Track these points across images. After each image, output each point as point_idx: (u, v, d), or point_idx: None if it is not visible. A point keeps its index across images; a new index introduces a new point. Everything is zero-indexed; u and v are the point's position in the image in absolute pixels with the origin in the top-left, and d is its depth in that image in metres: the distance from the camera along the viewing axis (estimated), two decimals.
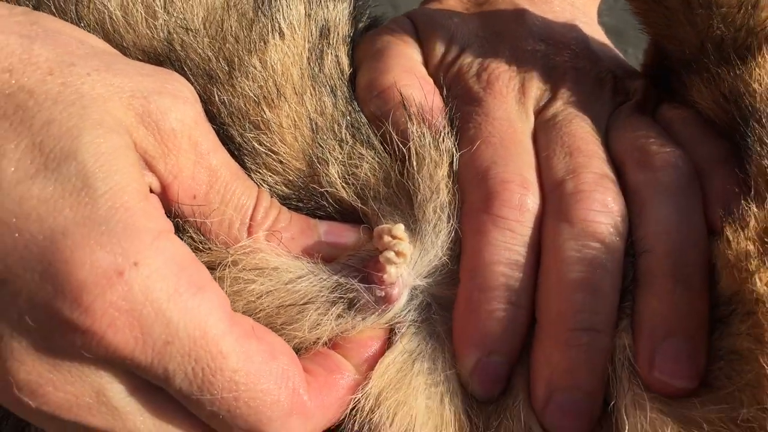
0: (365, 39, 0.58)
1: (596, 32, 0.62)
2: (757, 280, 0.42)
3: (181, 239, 0.43)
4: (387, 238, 0.45)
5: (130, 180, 0.39)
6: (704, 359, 0.45)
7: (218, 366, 0.39)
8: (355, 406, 0.44)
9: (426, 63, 0.56)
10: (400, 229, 0.45)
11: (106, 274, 0.36)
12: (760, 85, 0.49)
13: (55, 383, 0.38)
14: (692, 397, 0.43)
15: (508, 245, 0.47)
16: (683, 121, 0.53)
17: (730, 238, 0.44)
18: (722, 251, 0.45)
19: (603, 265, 0.46)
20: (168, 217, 0.43)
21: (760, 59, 0.50)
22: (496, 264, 0.47)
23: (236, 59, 0.48)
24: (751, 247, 0.43)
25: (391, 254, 0.45)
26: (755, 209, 0.45)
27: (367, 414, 0.44)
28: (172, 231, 0.41)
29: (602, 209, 0.47)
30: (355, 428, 0.44)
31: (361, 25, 0.59)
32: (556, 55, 0.55)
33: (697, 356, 0.44)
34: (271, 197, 0.47)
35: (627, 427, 0.44)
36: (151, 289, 0.37)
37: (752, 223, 0.44)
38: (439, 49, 0.56)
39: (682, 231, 0.46)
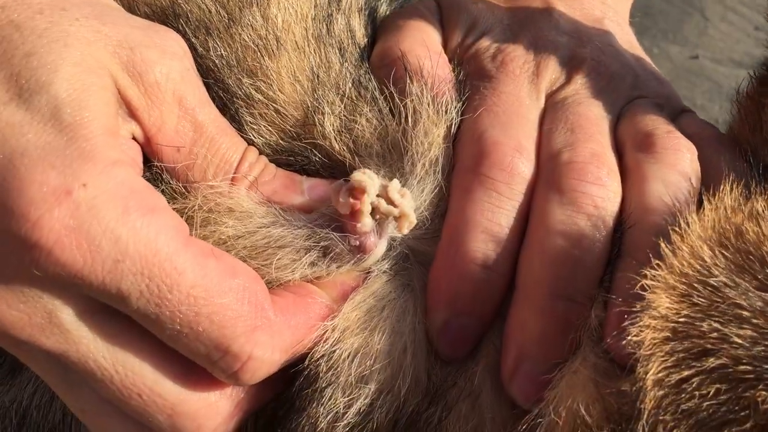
0: (389, 15, 0.58)
1: (626, 32, 0.60)
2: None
3: (161, 189, 0.43)
4: (384, 204, 0.43)
5: (99, 115, 0.39)
6: None
7: (174, 282, 0.39)
8: (321, 336, 0.43)
9: (445, 44, 0.55)
10: (396, 187, 0.44)
11: (54, 192, 0.37)
12: None
13: (8, 301, 0.39)
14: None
15: (493, 206, 0.45)
16: (705, 137, 0.51)
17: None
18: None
19: (588, 237, 0.44)
20: (150, 168, 0.44)
21: None
22: (478, 224, 0.45)
23: (237, 10, 0.48)
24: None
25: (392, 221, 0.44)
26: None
27: (330, 346, 0.43)
28: (134, 166, 0.41)
29: (595, 182, 0.45)
30: (315, 358, 0.43)
31: (384, 5, 0.60)
32: (578, 47, 0.54)
33: None
34: (260, 154, 0.47)
35: (557, 386, 0.42)
36: (98, 209, 0.37)
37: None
38: (460, 32, 0.55)
39: (671, 209, 0.44)
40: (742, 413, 0.36)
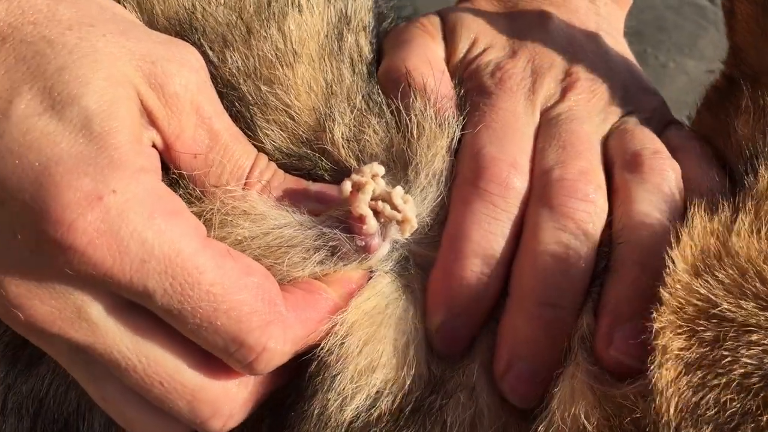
0: (394, 30, 0.62)
1: (619, 43, 0.64)
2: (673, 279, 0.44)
3: (179, 193, 0.47)
4: (388, 209, 0.47)
5: (126, 125, 0.43)
6: None
7: (195, 280, 0.42)
8: (330, 329, 0.47)
9: (448, 59, 0.59)
10: (399, 194, 0.48)
11: (87, 197, 0.40)
12: None
13: (41, 297, 0.42)
14: (627, 378, 0.45)
15: (489, 217, 0.49)
16: (687, 150, 0.54)
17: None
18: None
19: (575, 250, 0.48)
20: (167, 173, 0.47)
21: None
22: (475, 233, 0.49)
23: (255, 24, 0.52)
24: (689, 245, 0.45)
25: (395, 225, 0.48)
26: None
27: (339, 339, 0.47)
28: (156, 172, 0.45)
29: (583, 198, 0.49)
30: (325, 349, 0.47)
31: (386, 23, 0.63)
32: (572, 64, 0.57)
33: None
34: (270, 159, 0.51)
35: (557, 394, 0.45)
36: (127, 213, 0.41)
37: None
38: (462, 47, 0.59)
39: (657, 228, 0.48)
40: (757, 412, 0.40)
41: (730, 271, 0.44)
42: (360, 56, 0.57)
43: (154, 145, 0.47)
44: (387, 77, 0.56)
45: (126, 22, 0.48)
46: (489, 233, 0.49)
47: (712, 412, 0.41)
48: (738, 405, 0.40)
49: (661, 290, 0.44)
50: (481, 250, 0.49)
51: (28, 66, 0.42)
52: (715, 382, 0.41)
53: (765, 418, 0.40)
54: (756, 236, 0.45)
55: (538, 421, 0.46)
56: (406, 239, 0.50)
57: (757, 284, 0.43)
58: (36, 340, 0.46)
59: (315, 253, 0.48)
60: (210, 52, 0.51)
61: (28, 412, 0.56)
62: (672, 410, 0.42)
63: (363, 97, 0.53)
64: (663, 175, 0.51)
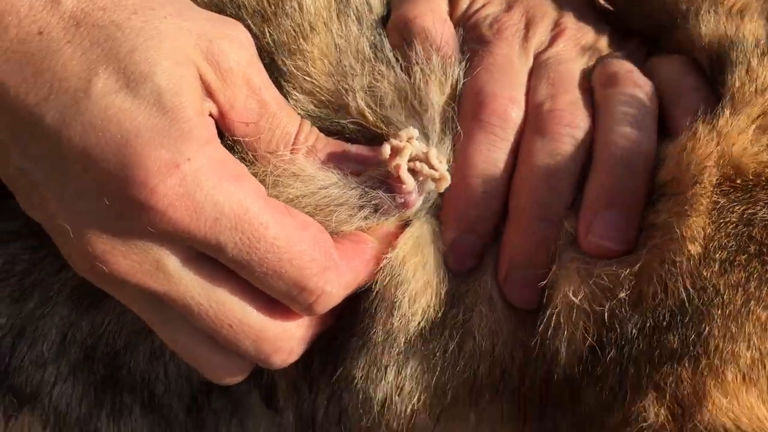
0: None
1: None
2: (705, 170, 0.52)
3: (234, 156, 0.52)
4: (426, 168, 0.54)
5: (191, 100, 0.48)
6: (634, 230, 0.54)
7: (261, 235, 0.49)
8: (386, 264, 0.55)
9: (451, 13, 0.65)
10: (434, 155, 0.55)
11: (167, 165, 0.46)
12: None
13: (124, 253, 0.48)
14: (607, 260, 0.54)
15: (491, 146, 0.57)
16: (667, 62, 0.62)
17: (699, 132, 0.54)
18: (681, 143, 0.54)
19: (563, 170, 0.56)
20: (223, 139, 0.53)
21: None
22: (478, 161, 0.57)
23: (280, 1, 0.58)
24: (712, 143, 0.53)
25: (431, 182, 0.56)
26: (727, 114, 0.55)
27: (396, 269, 0.55)
28: (217, 141, 0.51)
29: (570, 125, 0.56)
30: (386, 281, 0.55)
31: None
32: (561, 15, 0.64)
33: (628, 226, 0.54)
34: (312, 126, 0.57)
35: (553, 283, 0.54)
36: (200, 178, 0.47)
37: (721, 122, 0.54)
38: (464, 3, 0.65)
39: (634, 130, 0.55)
40: (747, 245, 0.51)
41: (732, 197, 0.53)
42: (369, 10, 0.62)
43: (211, 115, 0.52)
44: (394, 27, 0.62)
45: (179, 2, 0.52)
46: (490, 159, 0.57)
47: (719, 253, 0.51)
48: (732, 248, 0.51)
49: (688, 242, 0.52)
50: (484, 174, 0.57)
51: (102, 48, 0.47)
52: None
53: (751, 249, 0.51)
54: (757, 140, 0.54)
55: (543, 311, 0.55)
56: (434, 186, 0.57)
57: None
58: (114, 291, 0.52)
59: (359, 210, 0.55)
60: (253, 27, 0.57)
61: (84, 344, 0.63)
62: (695, 251, 0.52)
63: (370, 47, 0.59)
64: (635, 86, 0.58)
